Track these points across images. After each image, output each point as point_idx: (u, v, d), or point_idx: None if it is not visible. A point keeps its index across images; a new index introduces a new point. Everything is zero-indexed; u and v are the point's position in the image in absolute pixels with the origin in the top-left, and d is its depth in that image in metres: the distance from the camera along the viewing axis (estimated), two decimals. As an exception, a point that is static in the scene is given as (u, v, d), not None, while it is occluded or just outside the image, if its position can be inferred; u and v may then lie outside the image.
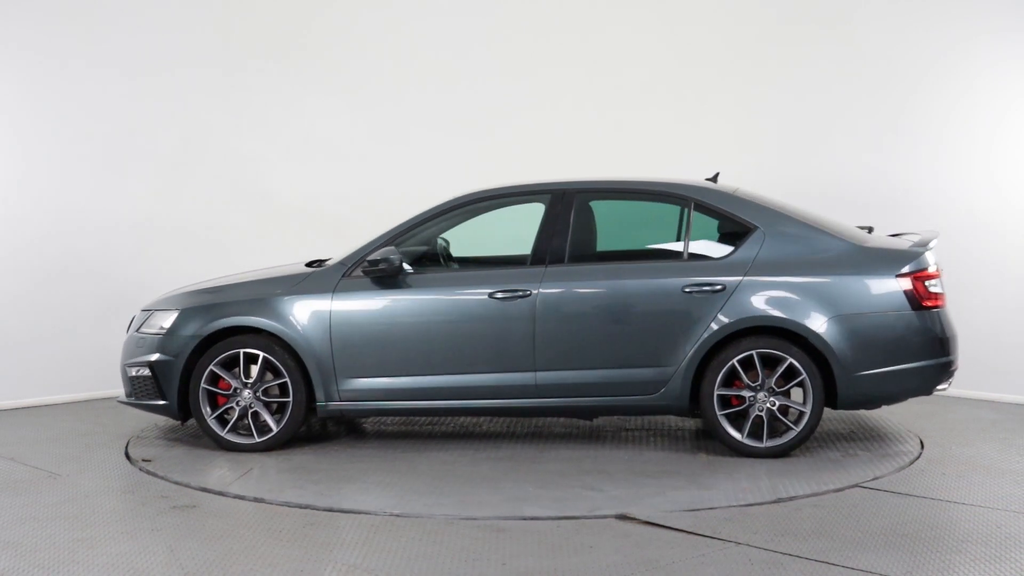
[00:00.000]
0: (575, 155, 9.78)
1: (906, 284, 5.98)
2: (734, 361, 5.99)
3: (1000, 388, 7.71)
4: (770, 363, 6.02)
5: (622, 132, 9.75)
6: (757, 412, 5.99)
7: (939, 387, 6.16)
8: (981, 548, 4.43)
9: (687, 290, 6.07)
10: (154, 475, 5.80)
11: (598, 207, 6.49)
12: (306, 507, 5.15)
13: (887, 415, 7.20)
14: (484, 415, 6.84)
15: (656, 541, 4.57)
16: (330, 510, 5.10)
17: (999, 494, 5.26)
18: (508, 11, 9.94)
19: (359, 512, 5.05)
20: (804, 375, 5.95)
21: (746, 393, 6.01)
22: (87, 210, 8.24)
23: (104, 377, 8.24)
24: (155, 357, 6.44)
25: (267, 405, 6.35)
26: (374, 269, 6.25)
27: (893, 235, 6.71)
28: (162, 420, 7.28)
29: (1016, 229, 7.71)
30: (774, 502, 5.15)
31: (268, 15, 9.19)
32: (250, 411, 6.35)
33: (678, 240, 6.35)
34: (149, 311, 6.69)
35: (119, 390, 8.31)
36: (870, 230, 6.55)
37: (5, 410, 7.71)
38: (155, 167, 8.61)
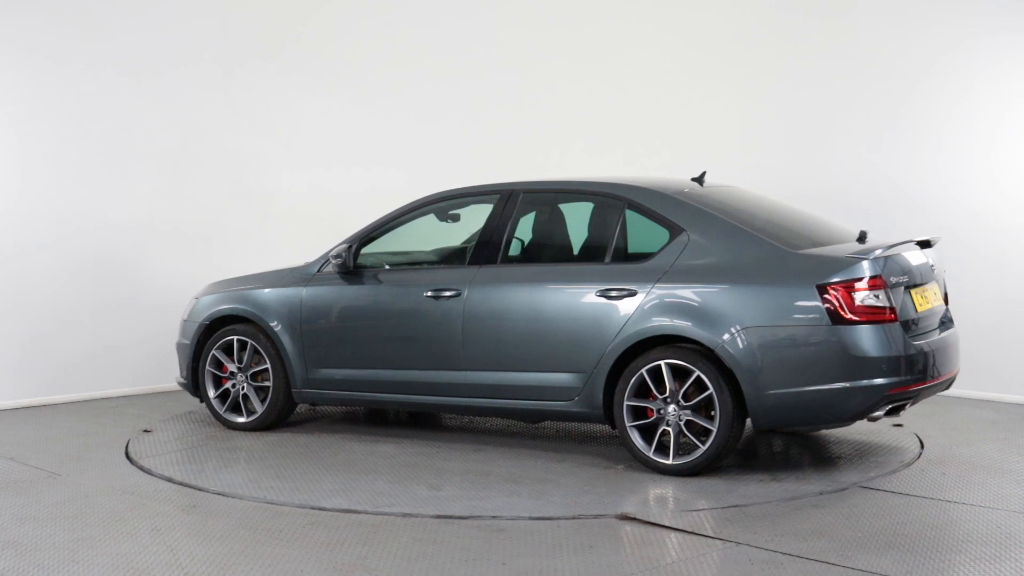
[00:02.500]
0: (575, 154, 9.79)
1: (827, 296, 5.36)
2: (643, 371, 5.64)
3: (1000, 388, 7.70)
4: (684, 375, 5.59)
5: (622, 129, 9.75)
6: (665, 426, 5.61)
7: (873, 415, 5.46)
8: (981, 548, 4.43)
9: (600, 295, 5.85)
10: (154, 475, 5.80)
11: (544, 208, 6.45)
12: (306, 507, 5.15)
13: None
14: (425, 411, 6.93)
15: (656, 541, 4.57)
16: (330, 510, 5.10)
17: (999, 494, 5.26)
18: (508, 9, 9.94)
19: (359, 512, 5.05)
20: (711, 390, 5.49)
21: (655, 406, 5.65)
22: (87, 210, 8.23)
23: (104, 377, 8.24)
24: (178, 340, 7.25)
25: (258, 389, 6.87)
26: (330, 265, 6.68)
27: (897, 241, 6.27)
28: (163, 420, 7.30)
29: (1017, 228, 7.70)
30: (774, 502, 5.15)
31: (267, 14, 9.18)
32: (241, 394, 6.91)
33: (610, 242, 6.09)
34: (194, 299, 7.37)
35: (119, 390, 8.36)
36: (862, 235, 5.87)
37: (5, 410, 7.70)
38: (155, 167, 8.60)
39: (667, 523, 4.81)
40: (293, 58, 9.30)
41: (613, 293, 5.79)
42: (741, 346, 5.44)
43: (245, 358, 6.88)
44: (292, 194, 9.26)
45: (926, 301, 5.81)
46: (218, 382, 6.99)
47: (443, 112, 9.77)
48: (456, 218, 6.89)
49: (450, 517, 4.95)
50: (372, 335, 6.56)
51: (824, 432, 6.59)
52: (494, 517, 4.94)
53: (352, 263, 6.61)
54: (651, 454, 5.64)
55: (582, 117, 9.87)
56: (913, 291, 5.70)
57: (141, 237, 8.50)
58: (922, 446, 6.29)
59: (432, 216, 6.79)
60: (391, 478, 5.69)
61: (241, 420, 6.90)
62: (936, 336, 5.80)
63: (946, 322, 6.08)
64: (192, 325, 7.11)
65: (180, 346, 7.22)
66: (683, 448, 5.59)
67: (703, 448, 5.51)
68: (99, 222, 8.29)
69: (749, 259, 5.61)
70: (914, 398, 5.57)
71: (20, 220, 7.94)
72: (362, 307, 6.62)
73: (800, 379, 5.39)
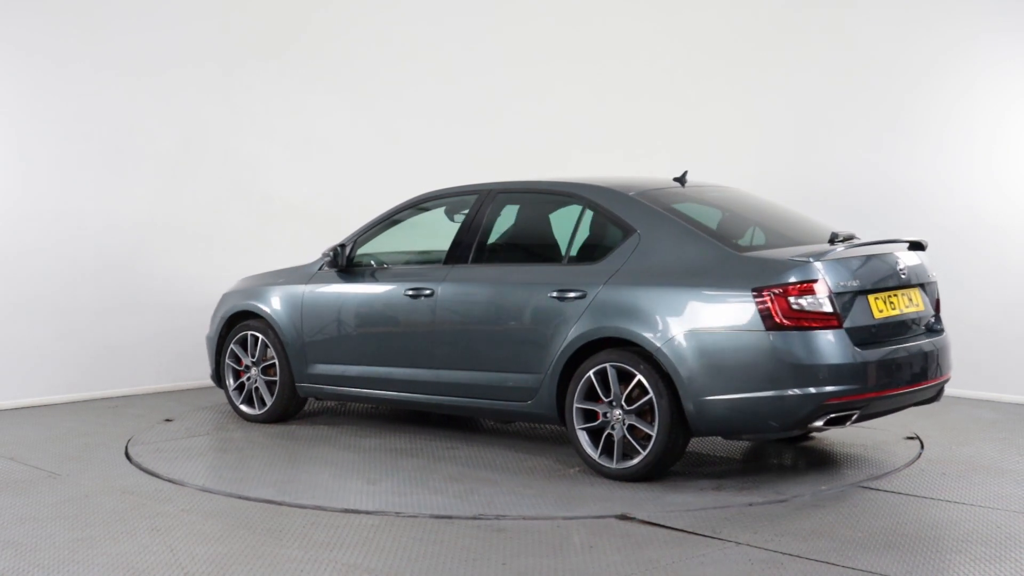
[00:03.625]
0: (574, 153, 9.79)
1: (761, 300, 5.19)
2: (590, 374, 5.59)
3: (1000, 388, 7.70)
4: (631, 379, 5.51)
5: (622, 129, 9.76)
6: (610, 430, 5.54)
7: (812, 425, 5.26)
8: (981, 548, 4.43)
9: (553, 296, 5.82)
10: (154, 475, 5.80)
11: (518, 208, 6.47)
12: (306, 507, 5.15)
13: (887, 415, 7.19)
14: (407, 408, 7.01)
15: (656, 541, 4.57)
16: (330, 510, 5.09)
17: (999, 494, 5.26)
18: (508, 9, 9.94)
19: (360, 512, 5.05)
20: (651, 394, 5.40)
21: (602, 409, 5.59)
22: (87, 210, 8.23)
23: (104, 377, 8.24)
24: (207, 334, 7.53)
25: (269, 383, 7.10)
26: (325, 263, 6.90)
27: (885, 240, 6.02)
28: (162, 421, 7.31)
29: (1017, 228, 7.70)
30: (774, 502, 5.15)
31: (267, 15, 9.18)
32: (254, 387, 7.15)
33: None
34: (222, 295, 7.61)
35: (119, 390, 8.36)
36: (845, 237, 5.67)
37: (5, 410, 7.70)
38: (155, 167, 8.60)
39: (667, 523, 4.81)
40: (293, 58, 9.30)
41: (565, 294, 5.77)
42: (679, 350, 5.33)
43: (256, 352, 7.12)
44: (292, 194, 9.26)
45: (891, 307, 5.55)
46: (237, 375, 7.27)
47: (443, 112, 9.77)
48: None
49: (450, 517, 4.95)
50: (361, 332, 6.71)
51: (824, 432, 6.59)
52: (494, 517, 4.95)
53: (344, 261, 6.79)
54: (597, 457, 5.59)
55: (582, 117, 9.88)
56: (874, 296, 5.47)
57: (141, 237, 8.50)
58: (922, 446, 6.29)
59: (442, 215, 6.85)
60: (393, 477, 5.69)
61: (253, 412, 7.17)
62: (911, 343, 5.56)
63: (932, 329, 5.86)
64: (216, 320, 7.42)
65: (208, 340, 7.51)
66: (627, 453, 5.51)
67: (643, 454, 5.43)
68: (99, 222, 8.29)
69: (693, 261, 5.51)
70: (863, 408, 5.30)
71: (21, 220, 7.93)
72: (352, 305, 6.75)
73: (735, 386, 5.23)
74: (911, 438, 6.49)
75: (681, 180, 6.31)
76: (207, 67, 8.85)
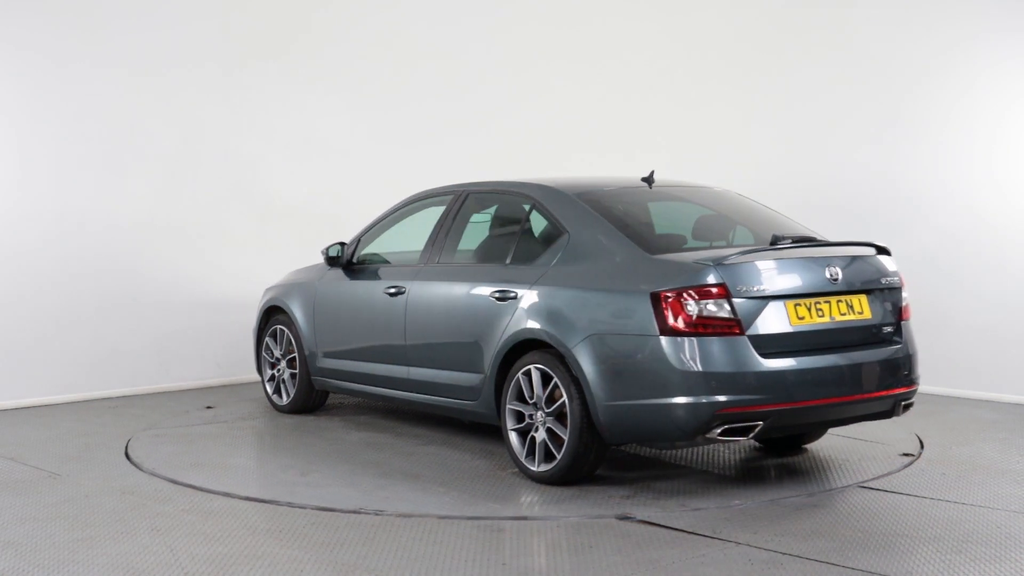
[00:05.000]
0: (574, 153, 9.79)
1: (658, 304, 5.03)
2: (519, 375, 5.56)
3: (1000, 388, 7.70)
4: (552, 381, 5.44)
5: (622, 129, 9.76)
6: (534, 432, 5.49)
7: (707, 435, 5.01)
8: (981, 548, 4.43)
9: (493, 296, 5.81)
10: (154, 475, 5.80)
11: (481, 209, 6.50)
12: (306, 507, 5.15)
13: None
14: (391, 404, 7.11)
15: (656, 541, 4.57)
16: (330, 510, 5.10)
17: (999, 494, 5.26)
18: (507, 10, 9.94)
19: (359, 512, 5.05)
20: (564, 397, 5.33)
21: (527, 411, 5.55)
22: (87, 210, 8.24)
23: (104, 377, 8.24)
24: (254, 327, 7.81)
25: (293, 375, 7.41)
26: (327, 261, 7.14)
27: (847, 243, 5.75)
28: (161, 419, 7.30)
29: (1017, 229, 7.71)
30: (774, 502, 5.15)
31: (267, 15, 9.18)
32: (282, 378, 7.48)
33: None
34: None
35: (119, 390, 8.36)
36: (775, 238, 5.42)
37: (5, 410, 7.70)
38: (155, 167, 8.60)
39: (667, 523, 4.81)
40: (293, 59, 9.30)
41: (503, 295, 5.77)
42: (587, 354, 5.23)
43: (283, 345, 7.48)
44: (292, 194, 9.26)
45: (817, 314, 5.23)
46: (273, 367, 7.61)
47: (443, 112, 9.77)
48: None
49: (450, 517, 4.95)
50: (353, 329, 6.90)
51: (823, 433, 6.60)
52: (496, 517, 4.95)
53: (345, 259, 7.02)
54: (523, 459, 5.57)
55: (582, 117, 9.88)
56: (794, 302, 5.19)
57: (141, 237, 8.50)
58: (922, 446, 6.29)
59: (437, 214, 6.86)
60: (390, 478, 5.70)
61: (280, 403, 7.52)
62: (843, 353, 5.26)
63: (884, 338, 5.50)
64: (258, 314, 7.76)
65: (253, 332, 7.85)
66: (550, 455, 5.45)
67: (558, 458, 5.37)
68: (99, 222, 8.29)
69: (610, 263, 5.40)
70: (769, 420, 5.03)
71: (21, 220, 7.94)
72: (347, 302, 6.96)
73: (634, 391, 5.10)
74: (911, 438, 6.49)
75: (648, 180, 6.20)
76: (207, 67, 8.85)
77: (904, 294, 5.68)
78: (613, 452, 6.17)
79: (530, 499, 5.27)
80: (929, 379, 8.07)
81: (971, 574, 4.13)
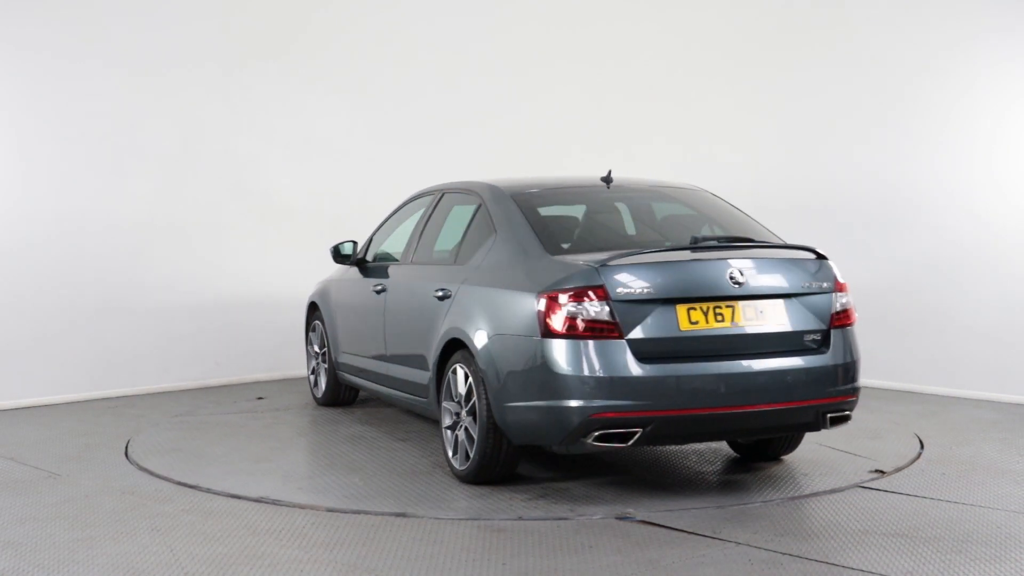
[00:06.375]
0: (574, 153, 9.79)
1: (540, 306, 4.95)
2: (449, 374, 5.57)
3: (1000, 388, 7.70)
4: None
5: (621, 129, 9.76)
6: (458, 431, 5.50)
7: (584, 441, 4.87)
8: (981, 548, 4.43)
9: (434, 295, 5.87)
10: (154, 475, 5.80)
11: (449, 208, 6.53)
12: (306, 507, 5.15)
13: (886, 414, 7.19)
14: (381, 399, 7.26)
15: (656, 541, 4.57)
16: (331, 510, 5.10)
17: (999, 494, 5.26)
18: (507, 10, 9.94)
19: (358, 512, 5.05)
20: (475, 397, 5.31)
21: (454, 409, 5.55)
22: (87, 210, 8.24)
23: (104, 377, 8.24)
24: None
25: (326, 369, 7.68)
26: (334, 258, 7.26)
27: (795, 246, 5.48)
28: (161, 419, 7.29)
29: (1016, 229, 7.71)
30: (774, 502, 5.15)
31: (267, 15, 9.19)
32: (319, 372, 7.80)
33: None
34: None
35: (119, 390, 8.36)
36: (694, 240, 5.26)
37: (5, 410, 7.70)
38: (155, 167, 8.61)
39: (667, 523, 4.81)
40: (293, 59, 9.30)
41: (442, 294, 5.81)
42: (488, 354, 5.22)
43: (318, 340, 7.81)
44: (292, 194, 9.26)
45: (716, 319, 5.00)
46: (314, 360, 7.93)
47: (443, 112, 9.77)
48: None
49: (450, 518, 4.95)
50: (356, 325, 7.11)
51: (823, 432, 6.59)
52: (499, 517, 4.95)
53: (356, 256, 7.17)
54: (450, 457, 5.59)
55: (582, 117, 9.88)
56: (687, 306, 4.98)
57: (141, 237, 8.51)
58: (922, 446, 6.29)
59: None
60: (393, 480, 5.70)
61: (318, 396, 7.86)
62: (745, 361, 5.00)
63: (802, 346, 5.16)
64: (305, 310, 8.08)
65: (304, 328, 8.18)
66: (468, 454, 5.44)
67: (471, 457, 5.37)
68: (99, 222, 8.30)
69: (519, 263, 5.36)
70: (649, 427, 4.86)
71: (21, 220, 7.94)
72: (354, 299, 7.16)
73: (523, 393, 5.04)
74: (911, 438, 6.49)
75: (607, 180, 6.08)
76: (207, 67, 8.86)
77: (844, 299, 5.33)
78: (613, 452, 6.17)
79: (614, 496, 5.26)
80: (929, 379, 8.09)
81: (971, 574, 4.13)
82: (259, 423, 7.24)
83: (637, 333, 4.90)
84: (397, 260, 6.86)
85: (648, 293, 4.92)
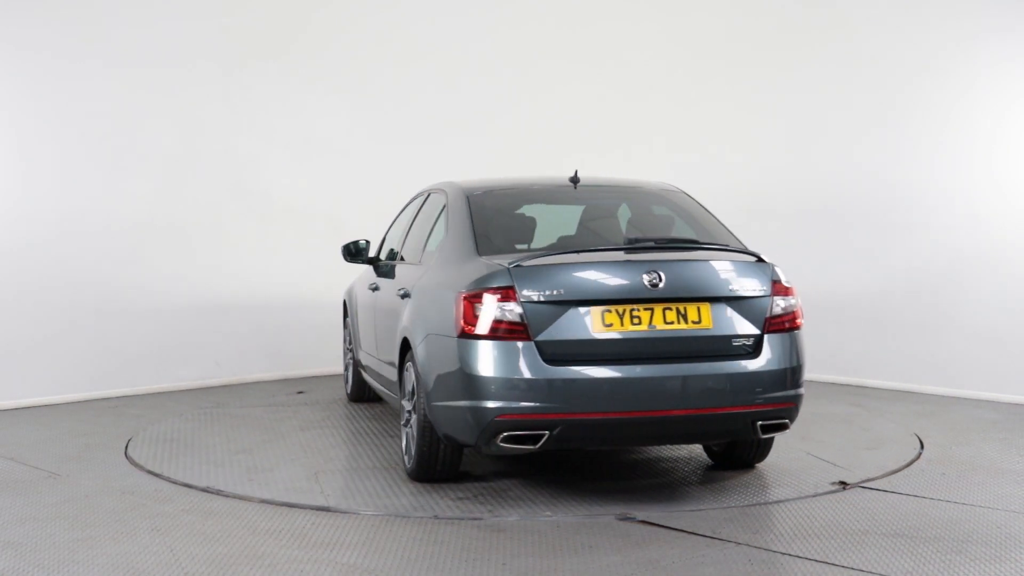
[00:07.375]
0: (574, 153, 9.79)
1: (457, 306, 4.97)
2: (405, 373, 5.61)
3: (1000, 388, 7.71)
4: None
5: (621, 129, 9.76)
6: (407, 429, 5.54)
7: (495, 442, 4.88)
8: (981, 548, 4.43)
9: (398, 294, 5.96)
10: (154, 475, 5.80)
11: (430, 209, 6.52)
12: (306, 507, 5.15)
13: (886, 414, 7.19)
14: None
15: (656, 541, 4.57)
16: (330, 510, 5.10)
17: (999, 494, 5.26)
18: (507, 10, 9.94)
19: (358, 512, 5.05)
20: (416, 396, 5.35)
21: (407, 407, 5.57)
22: (87, 210, 8.24)
23: (104, 377, 8.24)
24: None
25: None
26: (344, 256, 7.18)
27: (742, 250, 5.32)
28: (161, 419, 7.30)
29: (1016, 229, 7.71)
30: (774, 502, 5.15)
31: (267, 15, 9.19)
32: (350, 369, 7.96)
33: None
34: None
35: (119, 390, 8.36)
36: (630, 241, 5.19)
37: (5, 410, 7.70)
38: (155, 167, 8.61)
39: (667, 523, 4.81)
40: (293, 59, 9.30)
41: (403, 293, 5.90)
42: (422, 353, 5.28)
43: (347, 338, 8.08)
44: (292, 194, 9.26)
45: (633, 321, 4.88)
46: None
47: (443, 112, 9.77)
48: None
49: (450, 518, 4.95)
50: (363, 323, 7.29)
51: (823, 432, 6.59)
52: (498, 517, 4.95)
53: (367, 255, 7.12)
54: (404, 454, 5.64)
55: (582, 117, 9.88)
56: (602, 308, 4.87)
57: (141, 237, 8.51)
58: (922, 446, 6.29)
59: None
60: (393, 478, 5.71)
61: (348, 392, 8.09)
62: (663, 364, 4.87)
63: (731, 351, 4.99)
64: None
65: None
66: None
67: (412, 455, 5.42)
68: (99, 222, 8.30)
69: (453, 263, 5.39)
70: (556, 430, 4.81)
71: (21, 220, 7.94)
72: (361, 297, 7.35)
73: (444, 393, 5.07)
74: (911, 438, 6.49)
75: (574, 181, 6.04)
76: (207, 67, 8.86)
77: (786, 303, 5.12)
78: (613, 453, 6.18)
79: (614, 496, 5.25)
80: (929, 379, 8.09)
81: (971, 574, 4.13)
82: (279, 417, 7.24)
83: (547, 335, 4.84)
84: (393, 259, 6.89)
85: (560, 295, 4.87)
